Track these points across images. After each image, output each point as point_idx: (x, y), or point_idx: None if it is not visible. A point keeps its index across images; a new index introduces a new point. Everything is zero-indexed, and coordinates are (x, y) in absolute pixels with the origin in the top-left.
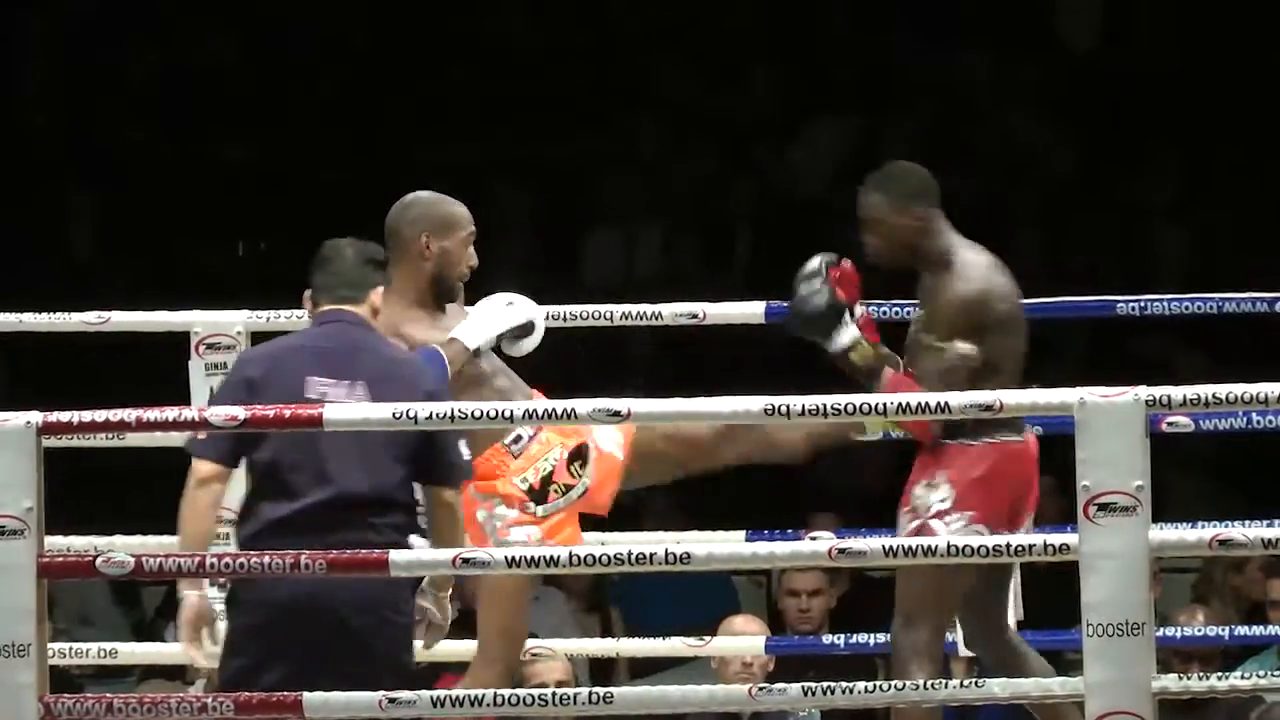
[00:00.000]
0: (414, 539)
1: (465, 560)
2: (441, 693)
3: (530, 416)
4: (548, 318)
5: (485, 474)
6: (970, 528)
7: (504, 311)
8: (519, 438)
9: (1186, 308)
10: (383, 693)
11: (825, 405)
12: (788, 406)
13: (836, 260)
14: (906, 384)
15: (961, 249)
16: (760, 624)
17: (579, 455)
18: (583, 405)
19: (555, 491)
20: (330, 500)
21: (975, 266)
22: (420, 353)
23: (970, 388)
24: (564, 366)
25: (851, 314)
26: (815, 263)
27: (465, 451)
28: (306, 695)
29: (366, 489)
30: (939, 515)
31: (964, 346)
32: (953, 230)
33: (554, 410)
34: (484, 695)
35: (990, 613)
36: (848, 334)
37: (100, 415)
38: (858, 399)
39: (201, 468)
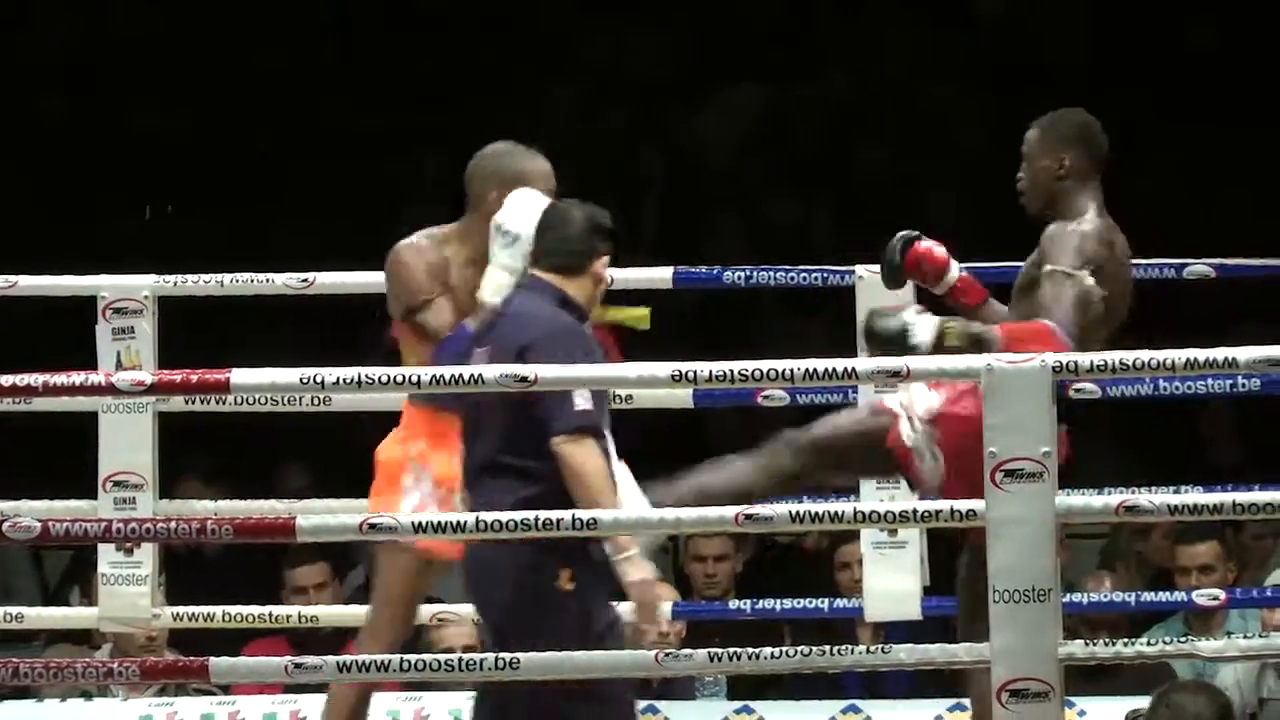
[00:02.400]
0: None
1: (372, 526)
2: (347, 658)
3: (435, 382)
4: None
5: None
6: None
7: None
8: None
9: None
10: (288, 657)
11: (732, 371)
12: (694, 372)
13: (909, 242)
14: (1020, 333)
15: (1095, 208)
16: (669, 590)
17: None
18: (490, 371)
19: None
20: (471, 466)
21: (1103, 222)
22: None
23: (1087, 325)
24: None
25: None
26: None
27: (581, 401)
28: (213, 660)
29: (488, 454)
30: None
31: (1091, 280)
32: (1097, 192)
33: (460, 376)
34: (390, 660)
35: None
36: (925, 330)
37: (7, 380)
38: (765, 364)
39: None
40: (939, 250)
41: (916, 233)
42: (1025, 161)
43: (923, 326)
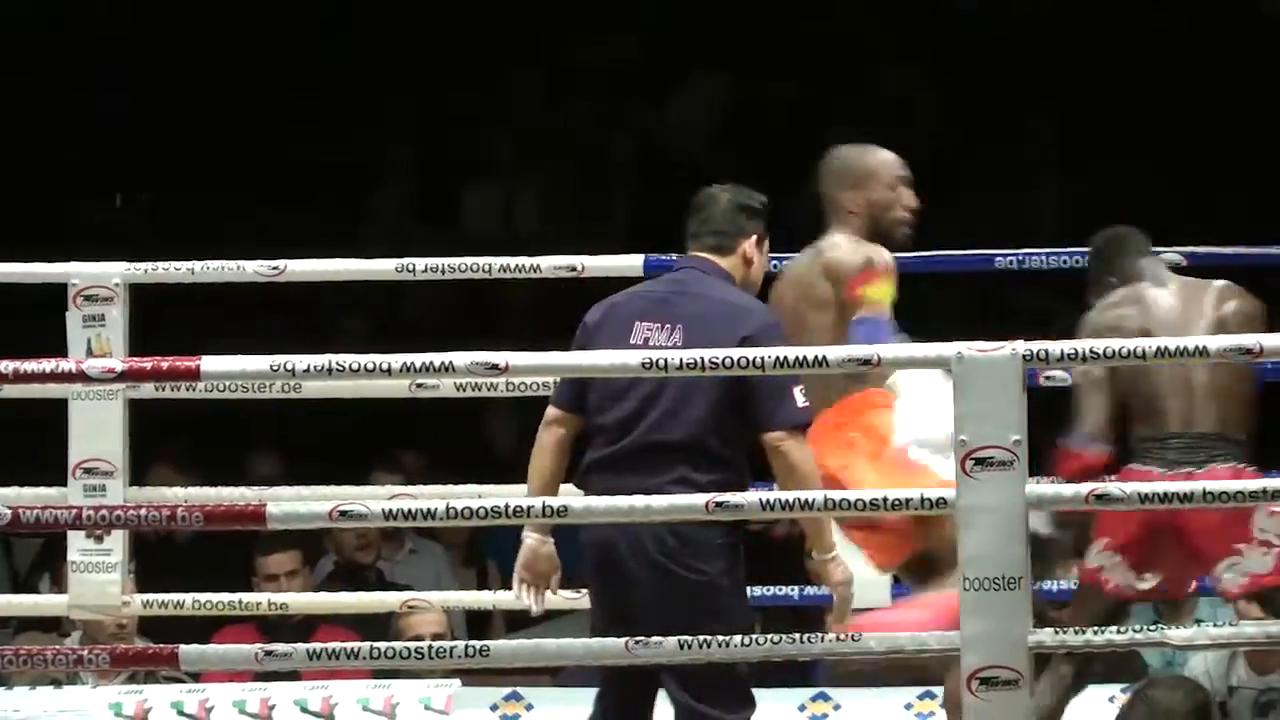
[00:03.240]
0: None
1: (343, 513)
2: (316, 646)
3: (407, 370)
4: (426, 270)
5: None
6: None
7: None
8: None
9: (1065, 261)
10: (259, 645)
11: (703, 359)
12: (665, 360)
13: None
14: None
15: None
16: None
17: None
18: (461, 358)
19: None
20: (636, 446)
21: None
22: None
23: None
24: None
25: None
26: None
27: (800, 398)
28: (183, 648)
29: (677, 437)
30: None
31: None
32: None
33: (431, 364)
34: (360, 648)
35: None
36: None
37: None
38: (735, 353)
39: (548, 411)
40: None
41: None
42: None
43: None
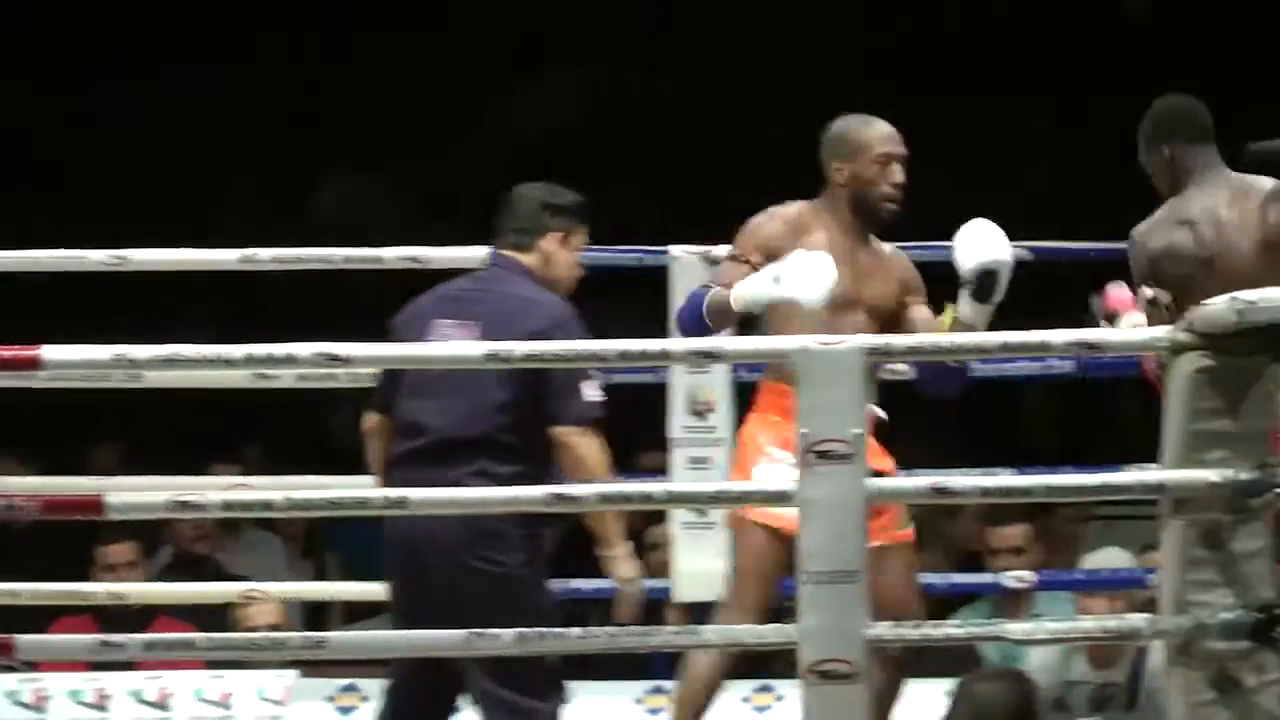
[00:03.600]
0: None
1: (182, 504)
2: (153, 636)
3: (249, 360)
4: (271, 260)
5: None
6: None
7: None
8: None
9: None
10: (98, 635)
11: (545, 351)
12: (510, 353)
13: None
14: None
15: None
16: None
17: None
18: (302, 349)
19: None
20: (435, 442)
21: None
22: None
23: None
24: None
25: None
26: None
27: (591, 393)
28: (20, 637)
29: (475, 432)
30: None
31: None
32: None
33: (273, 355)
34: (195, 639)
35: None
36: None
37: None
38: (578, 345)
39: (368, 419)
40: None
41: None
42: None
43: None
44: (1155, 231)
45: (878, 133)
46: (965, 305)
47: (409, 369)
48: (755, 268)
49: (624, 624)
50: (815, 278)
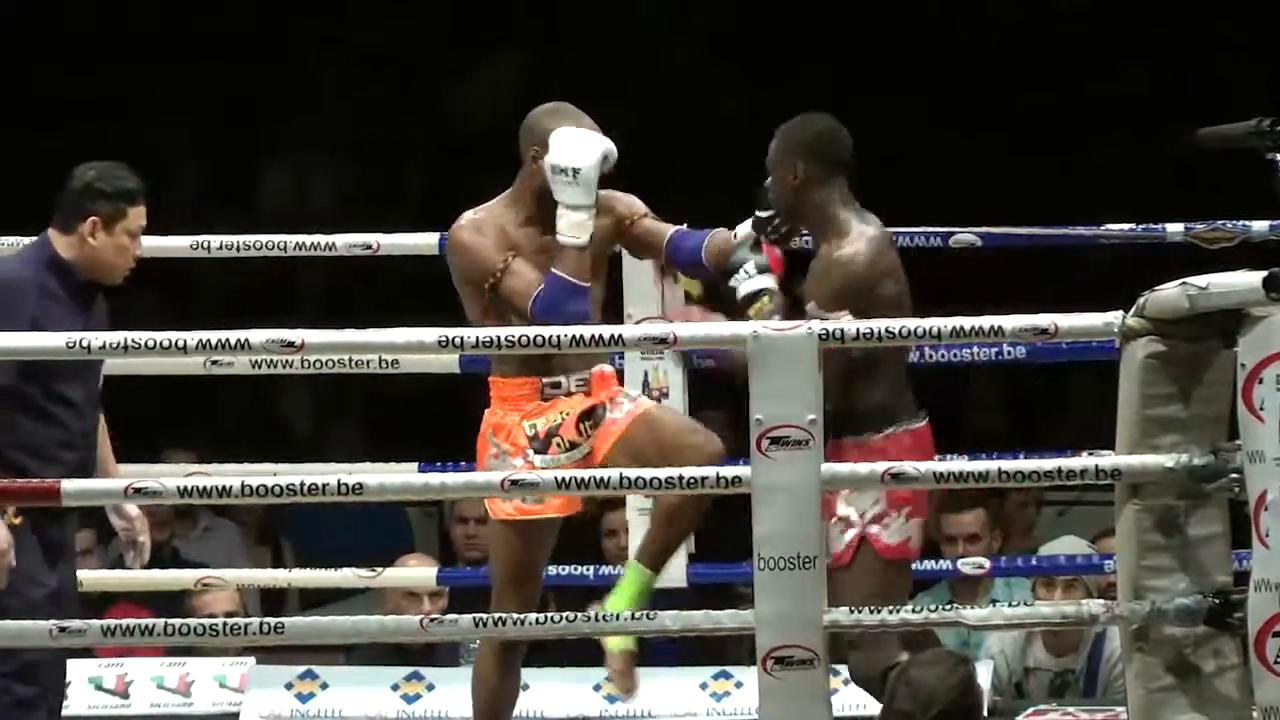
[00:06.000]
0: None
1: (137, 490)
2: (111, 622)
3: (202, 347)
4: (221, 247)
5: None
6: (911, 523)
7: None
8: (558, 384)
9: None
10: (54, 621)
11: (499, 337)
12: (461, 338)
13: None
14: None
15: (851, 217)
16: (432, 562)
17: (590, 415)
18: (256, 335)
19: (557, 446)
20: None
21: (864, 238)
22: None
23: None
24: (238, 296)
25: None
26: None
27: None
28: None
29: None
30: (877, 520)
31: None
32: (846, 196)
33: (227, 341)
34: (155, 625)
35: None
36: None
37: None
38: (533, 331)
39: None
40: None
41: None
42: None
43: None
44: None
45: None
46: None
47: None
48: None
49: None
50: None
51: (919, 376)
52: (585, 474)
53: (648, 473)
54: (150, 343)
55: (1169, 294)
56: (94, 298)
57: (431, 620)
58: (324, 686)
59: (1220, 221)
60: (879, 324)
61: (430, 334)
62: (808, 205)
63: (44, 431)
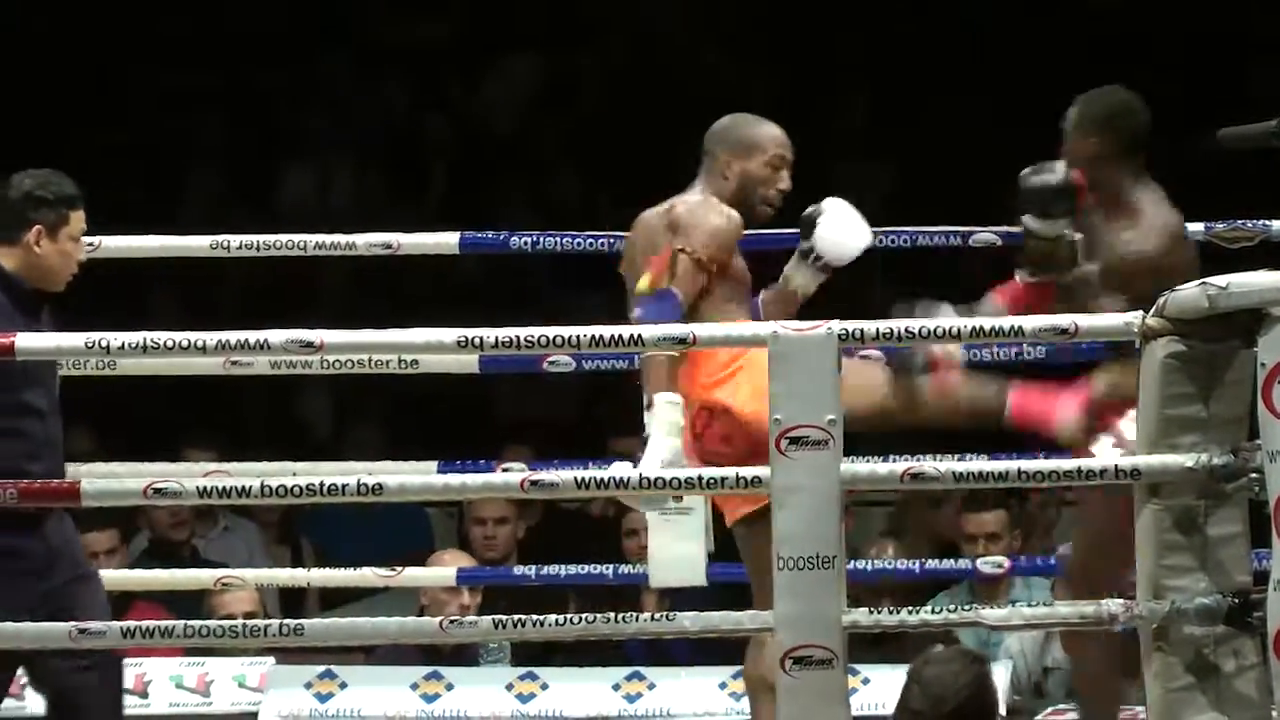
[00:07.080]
0: None
1: (157, 490)
2: (131, 623)
3: (222, 347)
4: (241, 246)
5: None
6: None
7: None
8: None
9: (880, 241)
10: (73, 623)
11: (518, 337)
12: (480, 338)
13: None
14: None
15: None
16: (467, 558)
17: None
18: (275, 336)
19: None
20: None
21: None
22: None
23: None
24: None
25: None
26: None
27: None
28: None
29: None
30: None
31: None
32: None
33: (247, 341)
34: (174, 626)
35: None
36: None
37: None
38: (550, 331)
39: None
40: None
41: None
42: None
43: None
44: None
45: (775, 135)
46: (806, 274)
47: None
48: (704, 266)
49: None
50: (849, 228)
51: None
52: (611, 474)
53: (668, 473)
54: (170, 343)
55: (1189, 294)
56: (40, 306)
57: (451, 622)
58: (343, 686)
59: (1240, 221)
60: (899, 324)
61: (449, 334)
62: (1101, 179)
63: (5, 445)
